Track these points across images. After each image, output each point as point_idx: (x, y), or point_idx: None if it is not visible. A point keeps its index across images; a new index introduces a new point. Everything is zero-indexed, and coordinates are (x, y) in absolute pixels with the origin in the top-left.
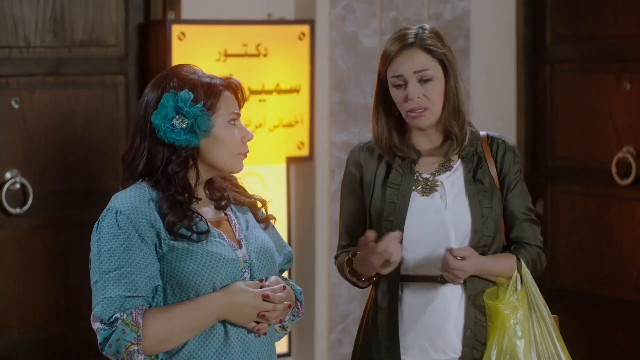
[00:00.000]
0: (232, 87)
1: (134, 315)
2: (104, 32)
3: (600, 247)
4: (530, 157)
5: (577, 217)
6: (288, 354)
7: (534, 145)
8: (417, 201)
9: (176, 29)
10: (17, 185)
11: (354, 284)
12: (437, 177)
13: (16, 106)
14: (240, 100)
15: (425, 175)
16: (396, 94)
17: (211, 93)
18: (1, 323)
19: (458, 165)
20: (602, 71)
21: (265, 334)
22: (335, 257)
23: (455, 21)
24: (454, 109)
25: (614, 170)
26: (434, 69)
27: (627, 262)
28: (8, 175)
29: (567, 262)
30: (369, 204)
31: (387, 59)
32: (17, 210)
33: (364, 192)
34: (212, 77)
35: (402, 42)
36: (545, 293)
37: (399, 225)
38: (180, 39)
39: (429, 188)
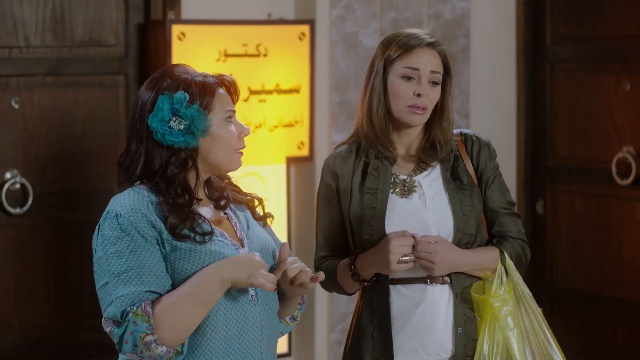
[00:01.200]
0: (226, 83)
1: (143, 306)
2: (104, 32)
3: (600, 247)
4: (530, 157)
5: (577, 217)
6: (288, 354)
7: (534, 145)
8: (396, 203)
9: (176, 29)
10: (17, 185)
11: (342, 290)
12: (414, 178)
13: (16, 106)
14: (234, 97)
15: (402, 177)
16: (402, 86)
17: (206, 92)
18: (1, 323)
19: (435, 165)
20: (602, 71)
21: (275, 289)
22: (317, 268)
23: (455, 21)
24: (447, 117)
25: (614, 170)
26: (441, 76)
27: (627, 262)
28: (8, 175)
29: (567, 262)
30: (348, 212)
31: (404, 49)
32: (17, 210)
33: (341, 201)
34: (205, 76)
35: (425, 39)
36: (546, 293)
37: (380, 230)
38: (180, 39)
39: (407, 189)
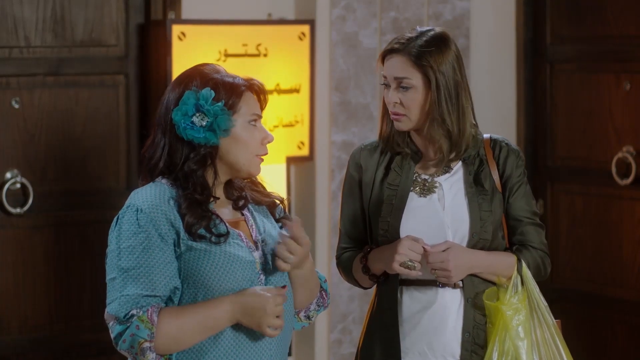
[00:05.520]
0: (255, 88)
1: (149, 312)
2: (104, 32)
3: (600, 247)
4: (530, 157)
5: (577, 217)
6: (288, 354)
7: (534, 145)
8: (414, 202)
9: (176, 29)
10: (18, 185)
11: (357, 283)
12: (435, 179)
13: (16, 106)
14: (262, 102)
15: (424, 177)
16: (384, 93)
17: (233, 92)
18: (1, 323)
19: (458, 168)
20: (602, 71)
21: (276, 335)
22: (338, 258)
23: (455, 21)
24: (436, 122)
25: (614, 170)
26: (415, 79)
27: (627, 262)
28: (8, 175)
29: (567, 262)
30: (368, 205)
31: (381, 59)
32: (18, 210)
33: (363, 194)
34: (234, 77)
35: (393, 45)
36: (545, 293)
37: (395, 226)
38: (180, 39)
39: (427, 189)
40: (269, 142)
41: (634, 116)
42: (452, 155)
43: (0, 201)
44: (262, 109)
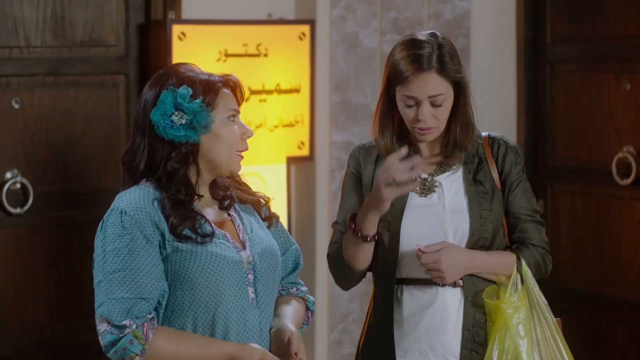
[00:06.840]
0: (230, 84)
1: (145, 328)
2: (104, 32)
3: (600, 247)
4: (530, 157)
5: (577, 217)
6: None
7: (534, 145)
8: (414, 201)
9: (177, 29)
10: (18, 185)
11: (348, 267)
12: (435, 178)
13: (16, 106)
14: (239, 98)
15: (423, 176)
16: (406, 112)
17: (210, 89)
18: (1, 323)
19: (458, 166)
20: (602, 71)
21: None
22: (328, 254)
23: (455, 21)
24: (463, 122)
25: (614, 170)
26: (447, 92)
27: (627, 262)
28: (8, 175)
29: (567, 262)
30: None
31: (400, 77)
32: (18, 210)
33: (363, 192)
34: (210, 75)
35: (419, 65)
36: (546, 293)
37: (396, 226)
38: (180, 39)
39: (427, 188)
40: (248, 137)
41: (634, 116)
42: (466, 153)
43: (0, 201)
44: (239, 104)
